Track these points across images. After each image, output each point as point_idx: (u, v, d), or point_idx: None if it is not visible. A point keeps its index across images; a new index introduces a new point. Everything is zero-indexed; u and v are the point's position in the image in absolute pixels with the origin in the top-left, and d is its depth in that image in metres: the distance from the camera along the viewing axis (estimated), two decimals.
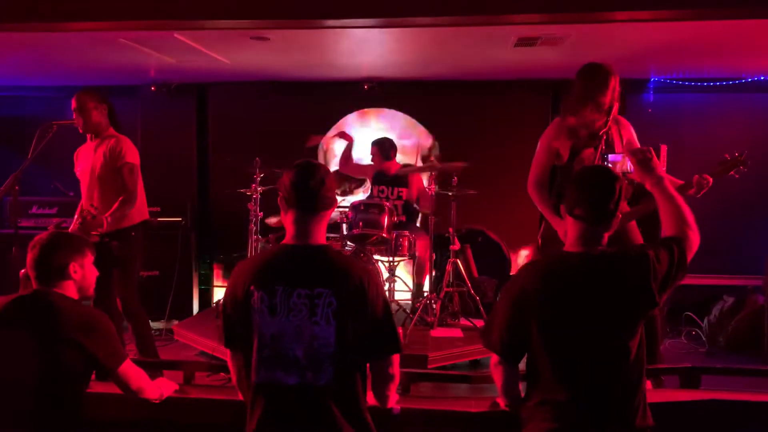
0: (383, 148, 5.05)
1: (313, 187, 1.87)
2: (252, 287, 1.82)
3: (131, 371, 2.13)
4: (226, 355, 2.04)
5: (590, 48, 4.33)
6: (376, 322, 1.85)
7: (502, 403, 2.06)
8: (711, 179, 2.91)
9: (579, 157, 3.01)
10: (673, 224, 1.98)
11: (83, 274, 2.17)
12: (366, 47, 4.46)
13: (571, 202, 1.91)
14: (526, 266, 1.97)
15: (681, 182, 2.89)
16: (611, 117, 2.85)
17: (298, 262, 1.86)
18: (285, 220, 1.93)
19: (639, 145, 3.18)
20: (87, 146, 3.66)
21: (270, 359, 1.80)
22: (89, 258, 2.21)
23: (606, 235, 1.91)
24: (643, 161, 2.08)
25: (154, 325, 5.05)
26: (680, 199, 2.02)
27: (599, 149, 2.78)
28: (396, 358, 1.93)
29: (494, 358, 1.96)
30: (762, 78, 5.31)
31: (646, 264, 1.85)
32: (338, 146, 5.77)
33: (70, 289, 2.14)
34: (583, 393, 1.81)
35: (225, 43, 4.35)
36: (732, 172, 2.98)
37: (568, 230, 1.93)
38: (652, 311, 1.88)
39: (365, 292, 1.83)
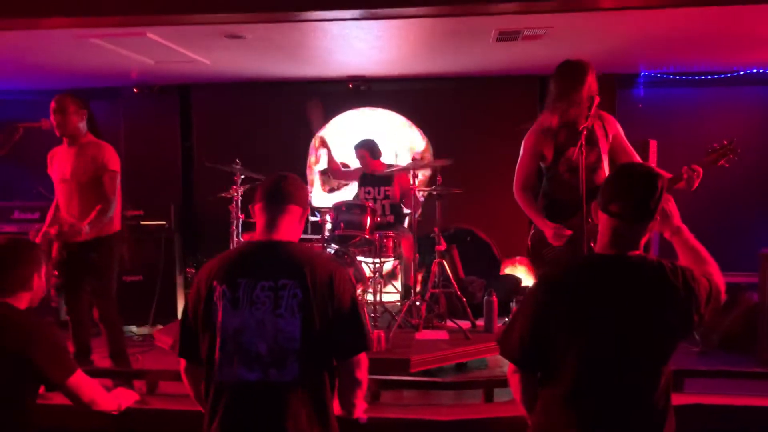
0: (372, 149, 4.93)
1: (276, 180, 1.91)
2: (215, 282, 1.78)
3: (82, 383, 2.04)
4: (180, 367, 1.92)
5: (576, 41, 4.23)
6: (343, 318, 1.78)
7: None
8: (701, 169, 2.75)
9: (564, 157, 2.95)
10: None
11: (40, 284, 2.14)
12: (346, 44, 4.35)
13: (606, 197, 1.71)
14: (550, 268, 1.81)
15: (670, 175, 2.76)
16: (592, 112, 2.75)
17: (262, 256, 1.82)
18: (257, 221, 1.92)
19: (626, 140, 3.09)
20: (63, 150, 3.57)
21: (232, 355, 1.73)
22: (45, 268, 2.18)
23: (642, 241, 1.71)
24: (660, 211, 1.85)
25: (137, 330, 4.96)
26: (702, 249, 1.87)
27: (579, 145, 2.67)
28: (364, 361, 1.84)
29: (511, 365, 1.80)
30: (755, 71, 5.21)
31: (696, 284, 1.66)
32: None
33: (23, 300, 2.09)
34: (604, 415, 1.62)
35: (200, 41, 4.24)
36: (722, 161, 2.83)
37: (600, 230, 1.74)
38: (682, 340, 1.69)
39: (333, 284, 1.78)
